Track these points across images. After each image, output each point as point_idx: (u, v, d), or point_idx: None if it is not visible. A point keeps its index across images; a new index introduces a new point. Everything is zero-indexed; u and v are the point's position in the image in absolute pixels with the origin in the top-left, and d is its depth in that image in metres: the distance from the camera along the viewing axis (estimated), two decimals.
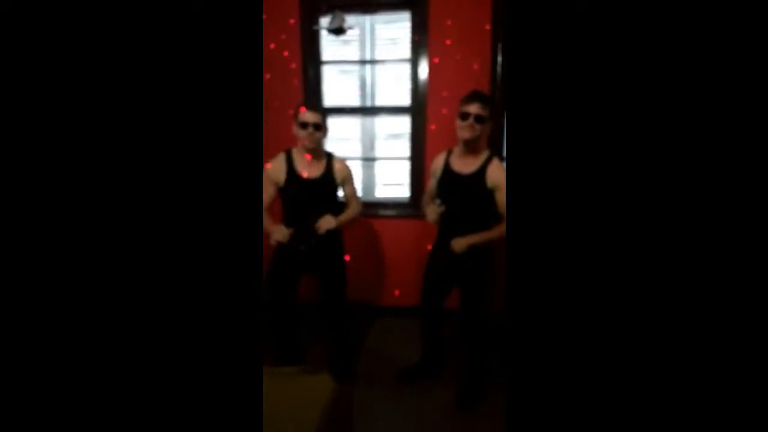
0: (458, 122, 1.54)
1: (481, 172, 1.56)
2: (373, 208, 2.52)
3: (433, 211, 1.63)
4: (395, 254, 2.49)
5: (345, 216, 1.71)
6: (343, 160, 1.77)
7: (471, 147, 1.59)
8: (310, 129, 1.57)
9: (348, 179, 1.76)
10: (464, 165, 1.61)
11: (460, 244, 1.54)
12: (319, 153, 1.69)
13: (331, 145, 2.56)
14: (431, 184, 1.78)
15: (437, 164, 1.73)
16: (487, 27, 2.18)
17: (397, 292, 2.51)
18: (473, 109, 1.49)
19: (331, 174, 1.69)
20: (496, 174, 1.54)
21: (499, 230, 1.56)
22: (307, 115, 1.57)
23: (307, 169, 1.66)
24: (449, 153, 1.70)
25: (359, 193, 2.52)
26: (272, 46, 2.35)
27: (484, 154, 1.60)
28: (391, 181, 2.56)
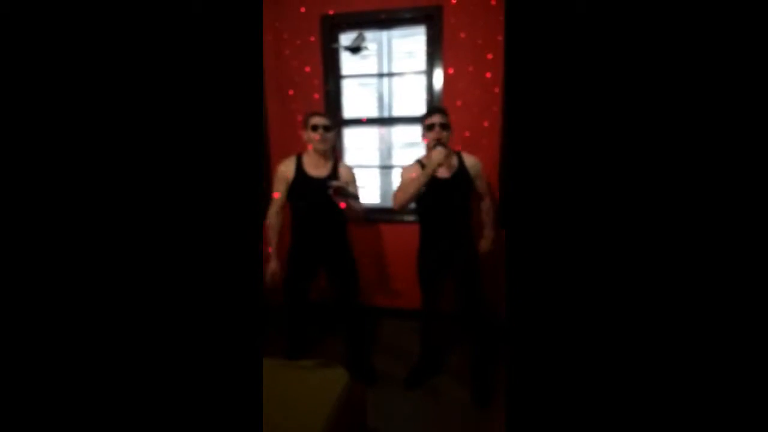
0: (426, 134, 1.75)
1: (462, 168, 1.76)
2: (391, 213, 2.60)
3: (439, 152, 1.68)
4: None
5: (355, 201, 1.80)
6: (348, 165, 1.92)
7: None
8: (321, 130, 1.75)
9: (353, 181, 1.90)
10: (444, 170, 1.75)
11: (486, 246, 1.86)
12: (327, 156, 1.84)
13: (350, 154, 2.68)
14: (408, 176, 1.82)
15: (414, 171, 1.79)
16: (500, 38, 2.24)
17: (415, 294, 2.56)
18: (436, 119, 1.72)
19: (336, 175, 1.83)
20: (473, 164, 1.78)
21: (491, 224, 1.86)
22: (317, 119, 1.77)
23: (315, 169, 1.81)
24: (421, 164, 1.80)
25: (377, 200, 2.64)
26: (295, 62, 2.49)
27: (454, 153, 1.78)
28: None
